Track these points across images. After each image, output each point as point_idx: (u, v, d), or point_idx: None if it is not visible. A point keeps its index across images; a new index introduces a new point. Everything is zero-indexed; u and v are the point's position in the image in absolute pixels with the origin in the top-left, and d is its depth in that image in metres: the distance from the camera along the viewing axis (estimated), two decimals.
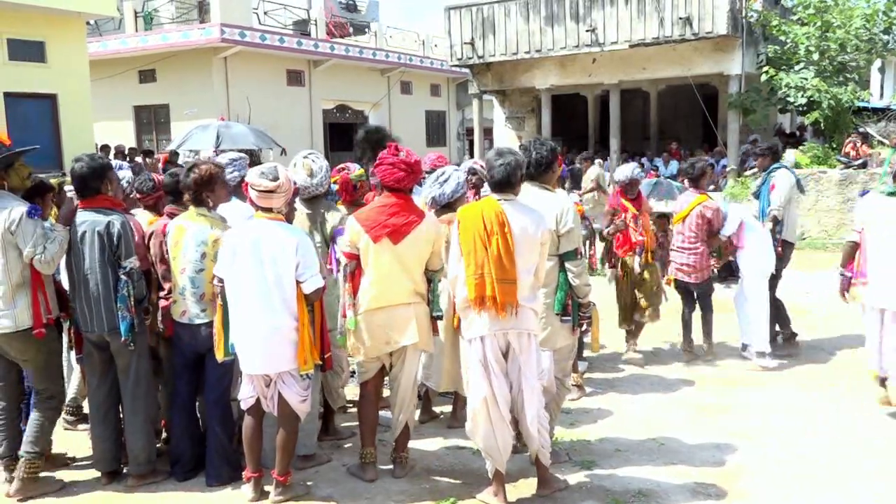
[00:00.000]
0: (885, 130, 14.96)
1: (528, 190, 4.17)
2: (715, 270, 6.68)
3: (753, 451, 4.65)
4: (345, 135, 24.51)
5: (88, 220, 4.10)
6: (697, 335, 6.63)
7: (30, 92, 15.02)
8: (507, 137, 20.50)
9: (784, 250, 6.73)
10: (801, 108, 15.16)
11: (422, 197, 5.03)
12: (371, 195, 4.97)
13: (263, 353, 3.91)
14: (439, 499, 4.06)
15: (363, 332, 4.12)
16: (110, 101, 19.82)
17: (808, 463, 4.47)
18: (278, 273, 3.87)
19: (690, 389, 5.89)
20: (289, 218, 4.13)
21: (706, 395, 5.73)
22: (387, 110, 25.47)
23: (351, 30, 25.52)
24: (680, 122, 20.54)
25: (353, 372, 4.91)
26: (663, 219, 8.50)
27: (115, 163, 4.97)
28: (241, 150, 7.66)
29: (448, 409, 5.24)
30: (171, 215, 4.43)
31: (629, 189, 6.46)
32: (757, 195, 6.91)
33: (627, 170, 6.54)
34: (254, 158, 11.80)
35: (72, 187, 4.30)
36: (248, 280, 3.89)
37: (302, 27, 23.26)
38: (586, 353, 6.23)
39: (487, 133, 23.36)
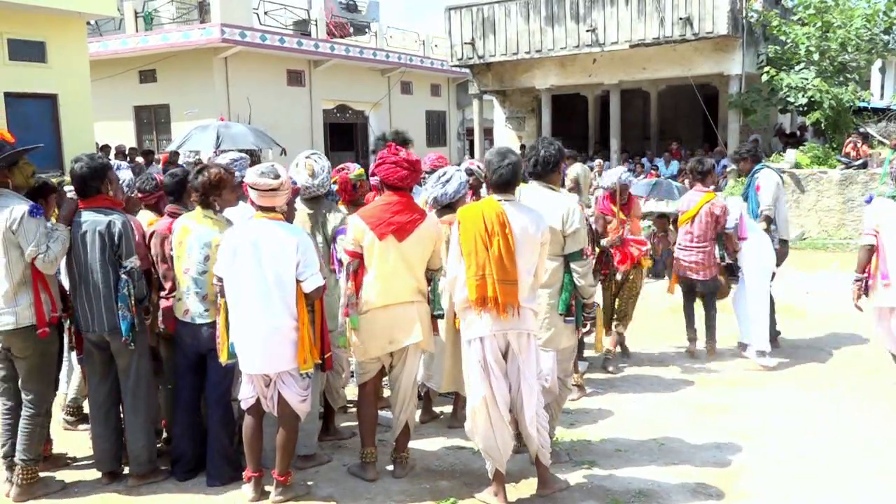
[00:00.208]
0: (886, 131, 14.97)
1: (534, 189, 4.17)
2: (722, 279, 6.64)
3: (753, 451, 4.65)
4: (345, 135, 24.53)
5: (89, 220, 4.10)
6: (699, 332, 6.66)
7: (30, 92, 14.98)
8: (507, 137, 20.52)
9: (780, 248, 6.77)
10: (801, 109, 15.14)
11: (422, 197, 5.03)
12: (371, 195, 4.98)
13: (263, 353, 3.91)
14: (439, 499, 4.06)
15: (365, 332, 4.13)
16: (111, 101, 19.79)
17: (808, 463, 4.48)
18: (278, 273, 3.87)
19: (690, 389, 5.89)
20: (289, 218, 4.13)
21: (706, 395, 5.73)
22: (387, 110, 25.43)
23: (351, 30, 25.47)
24: (680, 123, 20.53)
25: (353, 372, 4.91)
26: (663, 219, 8.50)
27: (114, 163, 4.96)
28: (241, 151, 7.65)
29: (448, 409, 5.24)
30: (172, 215, 4.44)
31: (618, 194, 6.33)
32: (745, 198, 6.95)
33: (614, 176, 6.41)
34: (254, 159, 11.77)
35: (71, 187, 4.30)
36: (248, 280, 3.88)
37: (302, 27, 23.23)
38: (588, 353, 6.23)
39: (488, 133, 23.37)
